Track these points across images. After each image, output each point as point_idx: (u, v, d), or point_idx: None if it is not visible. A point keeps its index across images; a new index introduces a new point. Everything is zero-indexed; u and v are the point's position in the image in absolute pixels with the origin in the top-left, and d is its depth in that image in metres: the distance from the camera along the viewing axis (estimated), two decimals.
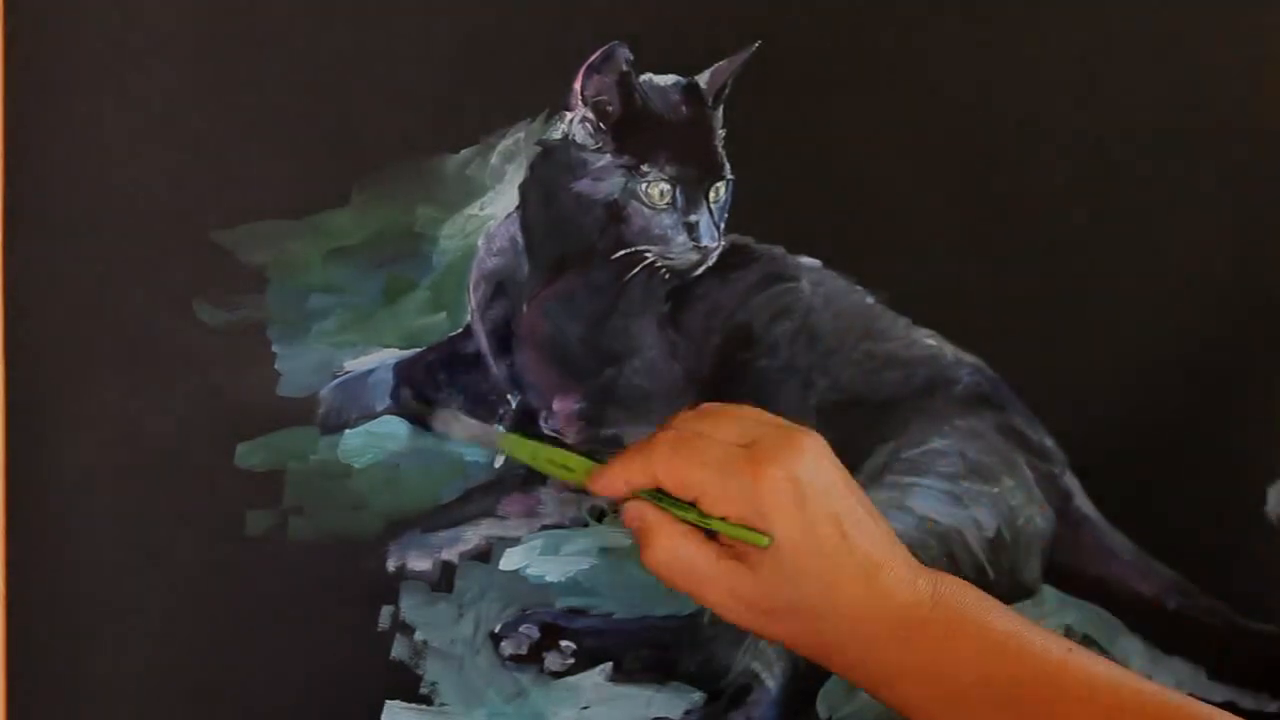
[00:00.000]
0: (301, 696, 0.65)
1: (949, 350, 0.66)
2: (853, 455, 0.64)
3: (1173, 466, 0.65)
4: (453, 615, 0.65)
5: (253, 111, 0.65)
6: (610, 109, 0.64)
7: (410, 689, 0.65)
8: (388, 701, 0.65)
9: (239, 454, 0.65)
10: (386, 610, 0.65)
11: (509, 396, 0.67)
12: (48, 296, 0.65)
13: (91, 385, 0.65)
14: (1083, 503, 0.65)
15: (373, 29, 0.65)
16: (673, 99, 0.65)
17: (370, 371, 0.66)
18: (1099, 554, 0.65)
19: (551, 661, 0.65)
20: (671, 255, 0.64)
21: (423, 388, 0.67)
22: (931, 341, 0.66)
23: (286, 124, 0.65)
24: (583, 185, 0.64)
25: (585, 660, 0.65)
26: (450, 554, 0.66)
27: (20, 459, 0.65)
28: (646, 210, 0.64)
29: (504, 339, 0.66)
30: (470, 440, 0.64)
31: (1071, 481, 0.65)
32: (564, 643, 0.65)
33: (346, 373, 0.66)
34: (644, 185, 0.64)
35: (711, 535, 0.52)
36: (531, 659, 0.65)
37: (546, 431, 0.66)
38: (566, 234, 0.65)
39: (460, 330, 0.67)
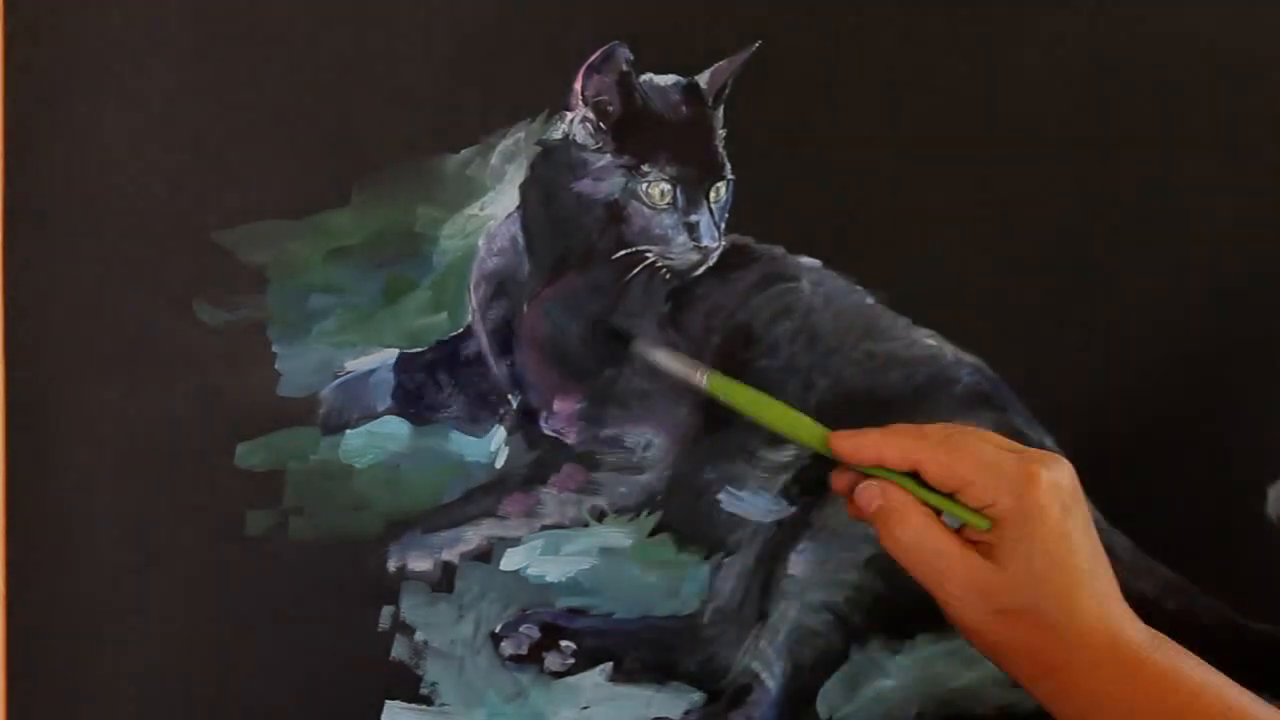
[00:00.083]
0: (301, 696, 0.65)
1: (949, 350, 0.66)
2: None
3: (1173, 466, 0.65)
4: (453, 615, 0.65)
5: (253, 111, 0.65)
6: (610, 109, 0.64)
7: (410, 689, 0.65)
8: (388, 701, 0.65)
9: (239, 454, 0.65)
10: (387, 610, 0.65)
11: (509, 396, 0.67)
12: (48, 296, 0.65)
13: (91, 385, 0.65)
14: None
15: (373, 29, 0.65)
16: (673, 99, 0.65)
17: (371, 371, 0.66)
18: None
19: (551, 661, 0.65)
20: (672, 255, 0.64)
21: (423, 387, 0.67)
22: (931, 341, 0.66)
23: (286, 124, 0.65)
24: (583, 185, 0.64)
25: (585, 660, 0.65)
26: (451, 554, 0.66)
27: (20, 459, 0.65)
28: (647, 210, 0.64)
29: (504, 339, 0.66)
30: (671, 370, 0.62)
31: None
32: (564, 643, 0.65)
33: (347, 373, 0.66)
34: (644, 185, 0.64)
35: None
36: (531, 659, 0.65)
37: (547, 431, 0.67)
38: (567, 234, 0.65)
39: (461, 330, 0.67)
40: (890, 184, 0.66)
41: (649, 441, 0.66)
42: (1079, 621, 0.51)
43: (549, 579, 0.66)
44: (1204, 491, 0.65)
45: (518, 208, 0.66)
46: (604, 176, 0.64)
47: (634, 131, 0.64)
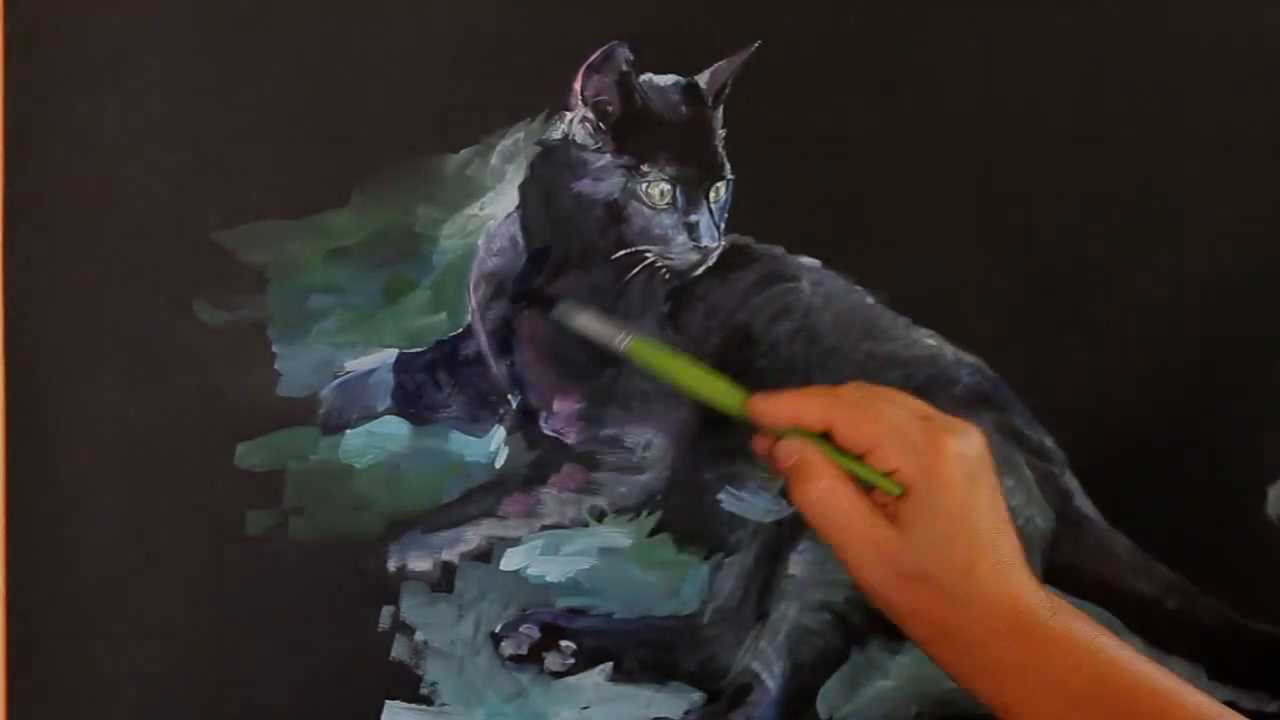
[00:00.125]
0: (301, 696, 0.65)
1: (949, 350, 0.66)
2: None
3: (1173, 466, 0.65)
4: (453, 615, 0.65)
5: (253, 111, 0.65)
6: (610, 109, 0.64)
7: (410, 689, 0.65)
8: (388, 701, 0.65)
9: (239, 454, 0.65)
10: (387, 610, 0.65)
11: (509, 396, 0.67)
12: (48, 296, 0.65)
13: (91, 385, 0.65)
14: (1083, 503, 0.65)
15: (372, 29, 0.65)
16: (673, 99, 0.65)
17: (371, 371, 0.66)
18: (1099, 554, 0.65)
19: (551, 661, 0.65)
20: (672, 255, 0.64)
21: (423, 387, 0.67)
22: (931, 341, 0.66)
23: (286, 124, 0.65)
24: (583, 185, 0.64)
25: (585, 660, 0.65)
26: (451, 554, 0.66)
27: (20, 459, 0.65)
28: (646, 210, 0.64)
29: (504, 339, 0.66)
30: (592, 336, 0.62)
31: (1071, 481, 0.65)
32: (564, 643, 0.65)
33: (347, 373, 0.66)
34: (644, 185, 0.64)
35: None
36: (531, 659, 0.65)
37: (547, 431, 0.67)
38: (567, 234, 0.65)
39: (461, 330, 0.67)
40: (890, 184, 0.66)
41: (649, 441, 0.66)
42: (978, 590, 0.51)
43: (549, 579, 0.66)
44: (1204, 491, 0.65)
45: (518, 208, 0.66)
46: (604, 176, 0.64)
47: (634, 131, 0.64)
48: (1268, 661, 0.64)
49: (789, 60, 0.65)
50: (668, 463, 0.66)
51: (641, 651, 0.65)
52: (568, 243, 0.65)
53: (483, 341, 0.67)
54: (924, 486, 0.52)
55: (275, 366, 0.65)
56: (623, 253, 0.64)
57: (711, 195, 0.64)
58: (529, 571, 0.66)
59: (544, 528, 0.66)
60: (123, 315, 0.65)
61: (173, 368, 0.65)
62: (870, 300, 0.66)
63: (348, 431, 0.66)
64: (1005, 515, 0.53)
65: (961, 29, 0.65)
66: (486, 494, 0.66)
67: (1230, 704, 0.62)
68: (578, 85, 0.64)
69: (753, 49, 0.65)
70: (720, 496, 0.66)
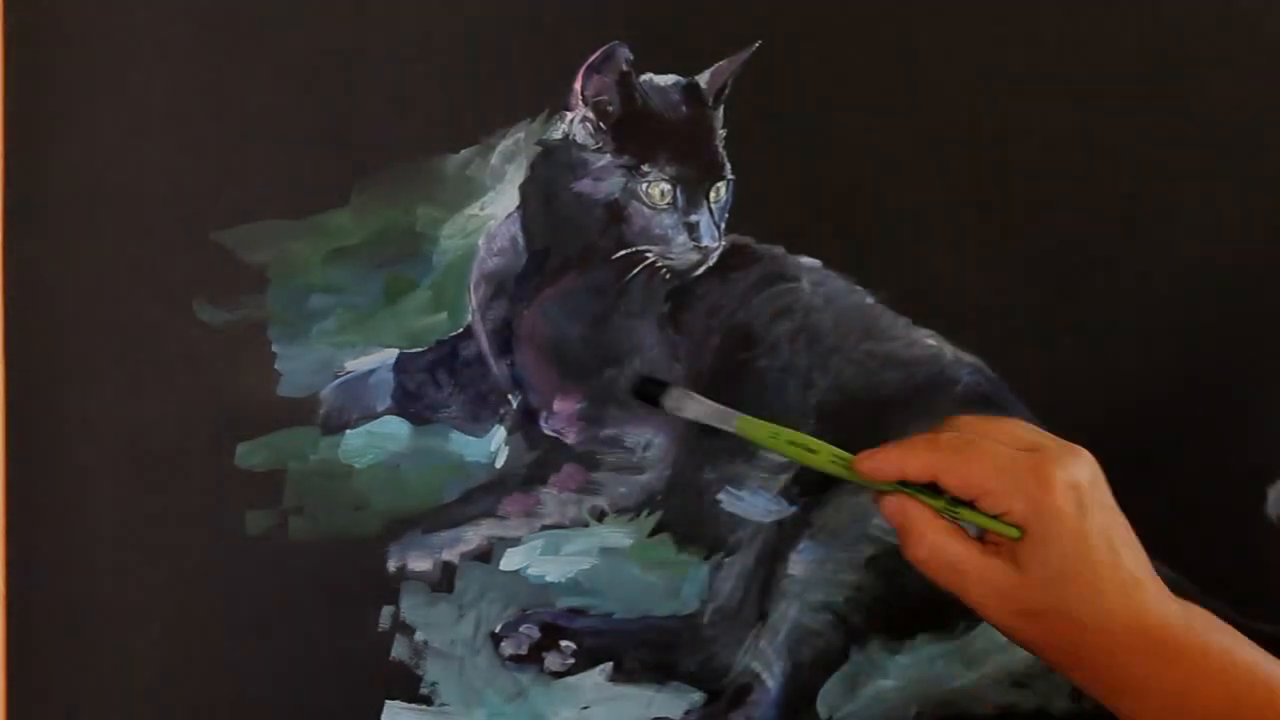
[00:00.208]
0: (301, 696, 0.65)
1: (949, 350, 0.66)
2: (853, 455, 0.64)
3: (1173, 466, 0.65)
4: (453, 615, 0.65)
5: (253, 111, 0.65)
6: (610, 109, 0.64)
7: (410, 689, 0.65)
8: (388, 701, 0.65)
9: (239, 454, 0.65)
10: (387, 610, 0.65)
11: (509, 396, 0.67)
12: (48, 296, 0.65)
13: (91, 385, 0.65)
14: None
15: (373, 29, 0.65)
16: (673, 99, 0.65)
17: (371, 371, 0.66)
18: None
19: (551, 661, 0.65)
20: (672, 255, 0.64)
21: (423, 387, 0.67)
22: (931, 341, 0.66)
23: (286, 124, 0.65)
24: (583, 185, 0.64)
25: (585, 660, 0.65)
26: (451, 554, 0.66)
27: (20, 459, 0.65)
28: (647, 210, 0.64)
29: (504, 339, 0.66)
30: (703, 419, 0.62)
31: None
32: (564, 643, 0.65)
33: (347, 373, 0.66)
34: (644, 185, 0.64)
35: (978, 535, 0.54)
36: (531, 659, 0.65)
37: (547, 431, 0.67)
38: (567, 234, 0.65)
39: (461, 330, 0.67)
40: (890, 184, 0.66)
41: (649, 441, 0.66)
42: (1106, 615, 0.51)
43: (549, 579, 0.66)
44: (1204, 491, 0.65)
45: (518, 208, 0.66)
46: (604, 176, 0.64)
47: (634, 131, 0.64)
48: None
49: (789, 60, 0.65)
50: (668, 463, 0.66)
51: (641, 651, 0.65)
52: (568, 243, 0.65)
53: (483, 341, 0.67)
54: (1035, 522, 0.51)
55: (275, 366, 0.65)
56: (623, 253, 0.64)
57: (711, 195, 0.64)
58: (529, 571, 0.66)
59: (544, 528, 0.66)
60: (123, 315, 0.65)
61: (173, 368, 0.65)
62: (870, 300, 0.66)
63: (348, 431, 0.66)
64: (1124, 532, 0.53)
65: (961, 29, 0.65)
66: (486, 494, 0.66)
67: None
68: (578, 85, 0.64)
69: (753, 49, 0.65)
70: (720, 496, 0.66)
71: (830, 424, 0.65)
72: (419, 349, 0.67)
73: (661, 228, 0.64)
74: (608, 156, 0.64)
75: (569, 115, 0.64)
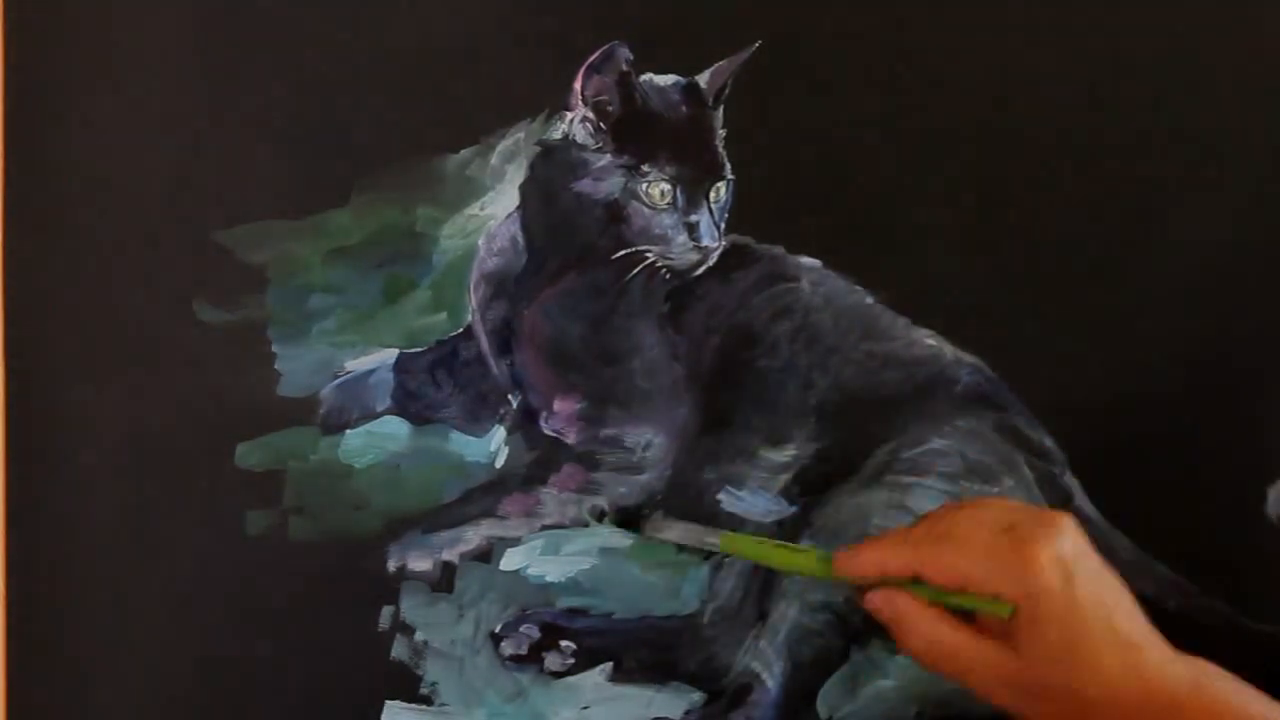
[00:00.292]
0: (301, 696, 0.65)
1: (949, 350, 0.66)
2: (853, 455, 0.65)
3: (1173, 466, 0.65)
4: (453, 615, 0.65)
5: (253, 111, 0.65)
6: (610, 109, 0.64)
7: (410, 689, 0.65)
8: (388, 701, 0.65)
9: (239, 454, 0.65)
10: (387, 610, 0.65)
11: (509, 396, 0.67)
12: (48, 296, 0.65)
13: (91, 385, 0.65)
14: (1083, 503, 0.65)
15: (373, 29, 0.65)
16: (673, 99, 0.65)
17: (371, 371, 0.66)
18: (1099, 554, 0.65)
19: (551, 661, 0.65)
20: (672, 255, 0.64)
21: (423, 387, 0.67)
22: (931, 341, 0.66)
23: (286, 124, 0.65)
24: (583, 185, 0.64)
25: (585, 660, 0.65)
26: (451, 554, 0.66)
27: (20, 459, 0.65)
28: (647, 210, 0.64)
29: (505, 339, 0.66)
30: (686, 543, 0.63)
31: (1071, 481, 0.65)
32: (564, 643, 0.65)
33: (347, 373, 0.66)
34: (644, 185, 0.64)
35: (967, 616, 0.53)
36: (531, 659, 0.65)
37: (547, 431, 0.66)
38: (567, 234, 0.65)
39: (461, 330, 0.67)
40: (890, 184, 0.66)
41: (649, 441, 0.66)
42: (1108, 685, 0.50)
43: (549, 579, 0.66)
44: (1204, 491, 0.65)
45: (518, 208, 0.66)
46: (604, 176, 0.64)
47: (634, 131, 0.64)
48: (1268, 661, 0.64)
49: (789, 60, 0.65)
50: (668, 463, 0.66)
51: (641, 651, 0.65)
52: (568, 243, 0.65)
53: (483, 341, 0.67)
54: (1027, 604, 0.51)
55: (275, 366, 0.65)
56: (623, 253, 0.64)
57: (711, 195, 0.64)
58: (529, 571, 0.66)
59: (544, 528, 0.66)
60: (123, 315, 0.65)
61: (173, 368, 0.65)
62: (870, 300, 0.66)
63: (348, 431, 0.66)
64: (1116, 594, 0.52)
65: (961, 29, 0.65)
66: (486, 494, 0.66)
67: None
68: (578, 85, 0.64)
69: (753, 49, 0.65)
70: (720, 496, 0.65)
71: (830, 424, 0.65)
72: (419, 349, 0.67)
73: (661, 228, 0.64)
74: (608, 156, 0.64)
75: (569, 115, 0.64)
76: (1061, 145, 0.65)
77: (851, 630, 0.65)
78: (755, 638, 0.64)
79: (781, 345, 0.66)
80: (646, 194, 0.64)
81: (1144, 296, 0.65)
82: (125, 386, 0.65)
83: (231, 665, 0.65)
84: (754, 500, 0.65)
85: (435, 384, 0.67)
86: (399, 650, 0.65)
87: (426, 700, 0.65)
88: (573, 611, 0.66)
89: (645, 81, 0.64)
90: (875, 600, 0.54)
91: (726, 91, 0.65)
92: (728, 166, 0.65)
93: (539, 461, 0.66)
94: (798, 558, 0.58)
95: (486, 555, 0.66)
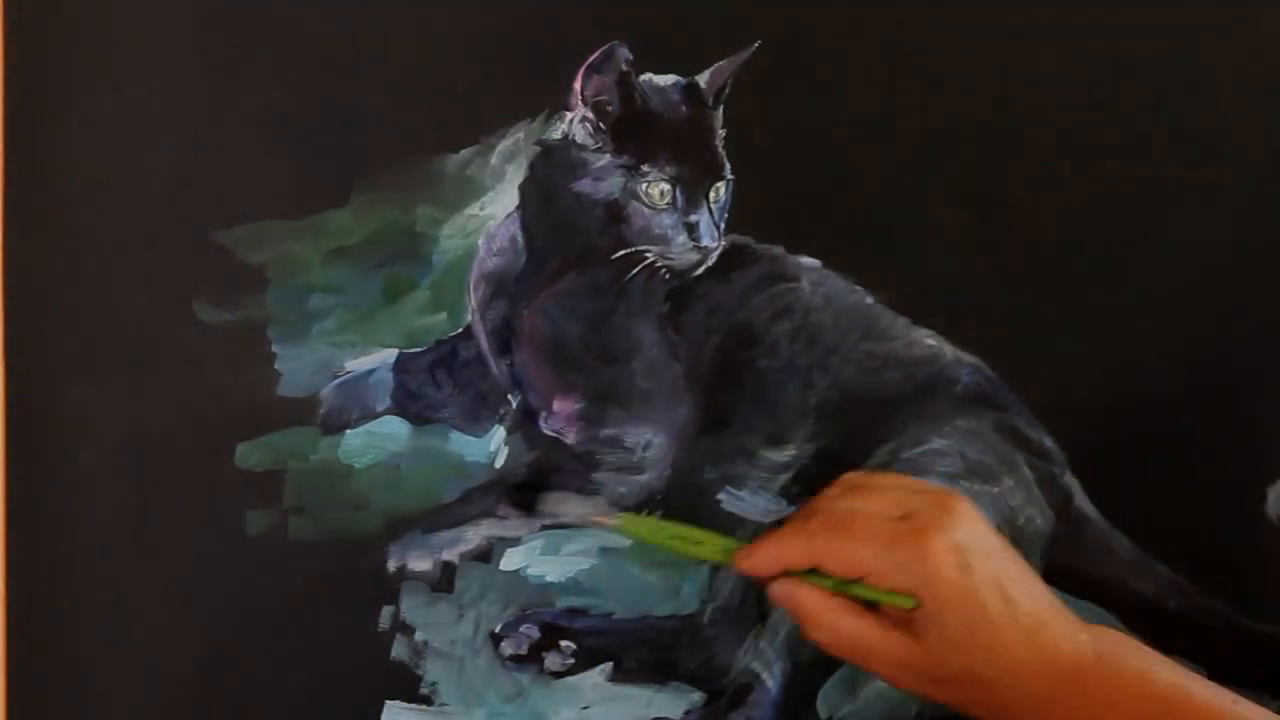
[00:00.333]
0: (301, 696, 0.65)
1: (949, 350, 0.66)
2: (853, 455, 0.65)
3: (1173, 466, 0.65)
4: (453, 615, 0.65)
5: (253, 111, 0.65)
6: (610, 109, 0.64)
7: (410, 689, 0.65)
8: (388, 701, 0.65)
9: (239, 454, 0.65)
10: (387, 610, 0.65)
11: (509, 396, 0.67)
12: (48, 296, 0.65)
13: (91, 385, 0.65)
14: (1083, 503, 0.65)
15: (373, 28, 0.65)
16: (673, 99, 0.65)
17: (371, 371, 0.66)
18: (1099, 554, 0.65)
19: (551, 661, 0.65)
20: (671, 255, 0.64)
21: (423, 387, 0.67)
22: (931, 341, 0.66)
23: (286, 124, 0.65)
24: (583, 185, 0.64)
25: (585, 660, 0.65)
26: (450, 554, 0.66)
27: (20, 459, 0.65)
28: (646, 210, 0.64)
29: (504, 339, 0.66)
30: (582, 521, 0.64)
31: (1071, 481, 0.65)
32: (564, 643, 0.65)
33: (347, 373, 0.66)
34: (644, 185, 0.64)
35: (870, 606, 0.53)
36: (531, 659, 0.65)
37: (547, 431, 0.66)
38: (567, 234, 0.65)
39: (461, 330, 0.67)
40: (890, 184, 0.66)
41: (649, 441, 0.66)
42: (1013, 665, 0.50)
43: (549, 579, 0.66)
44: (1204, 491, 0.65)
45: (518, 208, 0.66)
46: (604, 176, 0.64)
47: (634, 131, 0.64)
48: (1268, 661, 0.64)
49: (789, 60, 0.65)
50: (668, 463, 0.66)
51: (641, 651, 0.65)
52: (568, 243, 0.65)
53: (483, 341, 0.67)
54: (925, 593, 0.50)
55: (275, 366, 0.65)
56: (623, 253, 0.64)
57: (711, 195, 0.64)
58: (529, 571, 0.66)
59: (544, 528, 0.66)
60: (123, 315, 0.65)
61: (173, 368, 0.65)
62: (870, 300, 0.66)
63: (348, 431, 0.66)
64: (1015, 570, 0.52)
65: (961, 29, 0.65)
66: (486, 494, 0.66)
67: None
68: (578, 85, 0.64)
69: (753, 49, 0.65)
70: (720, 496, 0.65)
71: (830, 424, 0.65)
72: (419, 349, 0.67)
73: (661, 228, 0.64)
74: (607, 156, 0.64)
75: (569, 115, 0.64)
76: (1061, 145, 0.65)
77: None
78: (755, 638, 0.64)
79: (781, 345, 0.66)
80: (646, 194, 0.64)
81: (1144, 296, 0.65)
82: (125, 386, 0.65)
83: (231, 665, 0.65)
84: (754, 500, 0.65)
85: (435, 384, 0.67)
86: (399, 650, 0.65)
87: (426, 700, 0.65)
88: (573, 611, 0.66)
89: (645, 81, 0.64)
90: (779, 591, 0.54)
91: (726, 91, 0.65)
92: (728, 166, 0.65)
93: (539, 462, 0.66)
94: (700, 547, 0.58)
95: (486, 555, 0.66)
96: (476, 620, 0.66)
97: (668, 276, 0.65)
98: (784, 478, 0.65)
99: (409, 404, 0.67)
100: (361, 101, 0.65)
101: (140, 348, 0.65)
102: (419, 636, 0.65)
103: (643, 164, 0.64)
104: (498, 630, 0.65)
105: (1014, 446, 0.65)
